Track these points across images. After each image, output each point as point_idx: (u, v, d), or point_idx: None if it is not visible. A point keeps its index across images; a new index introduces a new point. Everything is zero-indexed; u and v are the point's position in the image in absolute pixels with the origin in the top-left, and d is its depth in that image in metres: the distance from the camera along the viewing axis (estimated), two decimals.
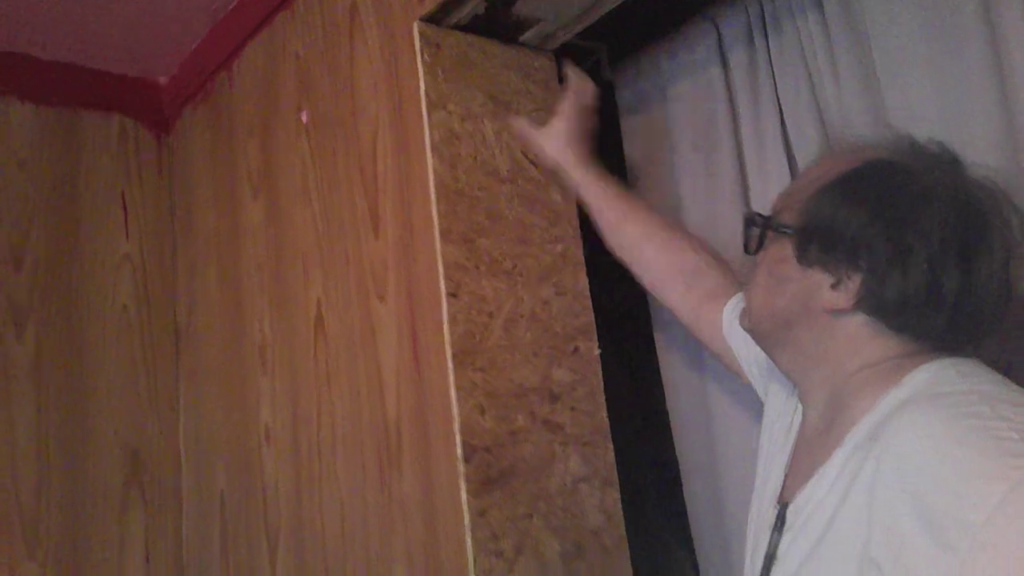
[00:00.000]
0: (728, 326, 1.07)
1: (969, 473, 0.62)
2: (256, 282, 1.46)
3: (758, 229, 0.87)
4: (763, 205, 1.25)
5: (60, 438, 1.50)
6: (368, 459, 1.18)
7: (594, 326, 1.24)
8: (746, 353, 1.04)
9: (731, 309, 1.07)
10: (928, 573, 0.62)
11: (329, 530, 1.23)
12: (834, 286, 0.78)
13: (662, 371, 1.38)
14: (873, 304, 0.76)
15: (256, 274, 1.46)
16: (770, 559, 0.81)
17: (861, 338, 0.78)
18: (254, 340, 1.44)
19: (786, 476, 0.87)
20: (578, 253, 1.26)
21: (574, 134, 1.18)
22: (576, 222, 1.27)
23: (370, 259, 1.22)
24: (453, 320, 1.09)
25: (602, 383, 1.21)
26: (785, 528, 0.80)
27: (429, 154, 1.12)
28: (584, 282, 1.25)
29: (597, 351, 1.22)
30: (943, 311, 0.74)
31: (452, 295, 1.10)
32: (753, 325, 0.88)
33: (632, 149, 1.47)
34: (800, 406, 0.89)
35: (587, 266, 1.26)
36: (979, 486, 0.61)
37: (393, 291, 1.18)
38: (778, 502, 0.84)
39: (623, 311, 1.52)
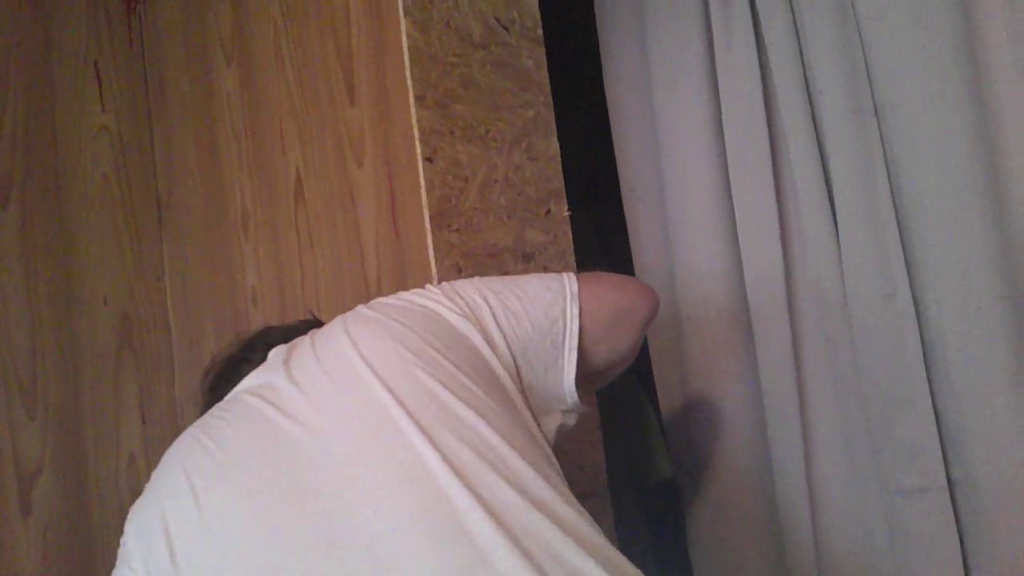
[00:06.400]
0: None
1: None
2: (234, 151, 1.48)
3: None
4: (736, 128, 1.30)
5: (51, 305, 1.53)
6: None
7: (564, 190, 1.29)
8: None
9: None
10: None
11: None
12: None
13: (629, 231, 1.44)
14: None
15: (234, 143, 1.48)
16: None
17: None
18: (235, 208, 1.48)
19: None
20: (549, 119, 1.29)
21: None
22: (547, 88, 1.30)
23: (347, 125, 1.25)
24: (430, 184, 1.13)
25: (572, 243, 1.28)
26: None
27: (402, 17, 1.13)
28: (555, 147, 1.29)
29: (567, 213, 1.28)
30: None
31: (428, 160, 1.14)
32: None
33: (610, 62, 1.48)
34: None
35: (557, 131, 1.30)
36: None
37: (370, 156, 1.21)
38: None
39: (592, 175, 1.57)
